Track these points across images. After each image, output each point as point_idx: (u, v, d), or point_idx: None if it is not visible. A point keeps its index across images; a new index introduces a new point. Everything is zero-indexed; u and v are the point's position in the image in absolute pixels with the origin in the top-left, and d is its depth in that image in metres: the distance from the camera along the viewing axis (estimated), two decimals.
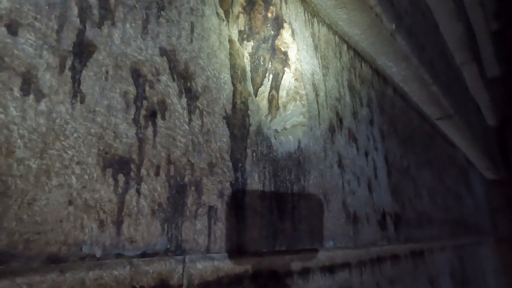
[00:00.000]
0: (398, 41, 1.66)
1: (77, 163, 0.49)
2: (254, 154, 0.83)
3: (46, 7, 0.50)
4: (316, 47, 1.26)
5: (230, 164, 0.75)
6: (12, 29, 0.46)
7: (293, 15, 1.18)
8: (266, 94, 1.02)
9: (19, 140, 0.44)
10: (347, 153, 1.29)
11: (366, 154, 1.45)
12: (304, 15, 1.25)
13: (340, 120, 1.30)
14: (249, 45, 0.98)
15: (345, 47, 1.51)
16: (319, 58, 1.26)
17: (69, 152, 0.48)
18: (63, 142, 0.48)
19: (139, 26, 0.63)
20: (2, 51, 0.44)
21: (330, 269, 1.12)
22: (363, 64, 1.65)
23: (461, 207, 3.31)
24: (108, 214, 0.51)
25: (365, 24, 1.51)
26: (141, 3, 0.64)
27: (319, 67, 1.25)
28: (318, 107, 1.17)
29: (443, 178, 2.80)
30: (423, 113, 2.52)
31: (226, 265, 0.71)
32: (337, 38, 1.45)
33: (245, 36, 0.97)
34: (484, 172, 4.91)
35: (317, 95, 1.18)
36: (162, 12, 0.68)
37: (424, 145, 2.43)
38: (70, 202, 0.47)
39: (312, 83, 1.17)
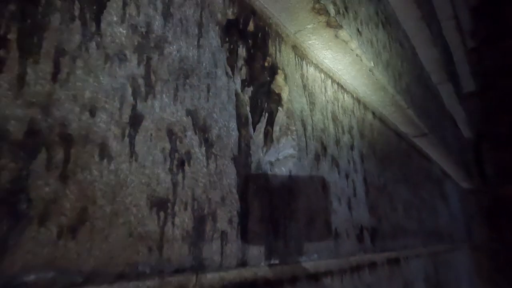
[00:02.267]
0: (376, 75, 1.89)
1: (134, 205, 0.68)
2: (255, 186, 1.03)
3: (112, 92, 0.69)
4: (304, 86, 1.48)
5: (236, 196, 0.95)
6: (92, 112, 0.65)
7: (286, 61, 1.39)
8: (262, 129, 1.22)
9: (99, 193, 0.63)
10: (330, 177, 1.51)
11: (347, 176, 1.68)
12: (295, 59, 1.47)
13: (325, 149, 1.51)
14: (249, 90, 1.19)
15: (329, 81, 1.73)
16: (307, 96, 1.48)
17: (129, 197, 0.68)
18: (125, 191, 0.67)
19: (171, 95, 0.82)
20: (87, 130, 0.64)
21: (315, 277, 1.33)
22: (345, 95, 1.87)
23: (436, 217, 3.58)
24: (154, 242, 0.71)
25: (347, 62, 1.74)
26: (172, 76, 0.84)
27: (307, 104, 1.46)
28: (306, 139, 1.38)
29: (419, 191, 3.05)
30: (400, 132, 2.77)
31: (229, 275, 0.91)
32: (322, 75, 1.67)
33: (246, 83, 1.17)
34: (460, 183, 5.23)
35: (305, 129, 1.40)
36: (187, 80, 0.88)
37: (401, 161, 2.67)
38: (130, 235, 0.67)
39: (301, 119, 1.39)
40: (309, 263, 1.29)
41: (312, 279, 1.32)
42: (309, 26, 1.45)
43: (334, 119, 1.67)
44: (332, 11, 1.43)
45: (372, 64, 1.83)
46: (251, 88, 1.19)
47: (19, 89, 0.56)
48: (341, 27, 1.49)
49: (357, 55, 1.70)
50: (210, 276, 0.84)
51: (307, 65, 1.55)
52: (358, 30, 1.71)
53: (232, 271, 0.90)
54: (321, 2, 1.35)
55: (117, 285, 0.62)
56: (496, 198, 5.78)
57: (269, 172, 1.12)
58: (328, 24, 1.46)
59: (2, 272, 0.50)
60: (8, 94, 0.55)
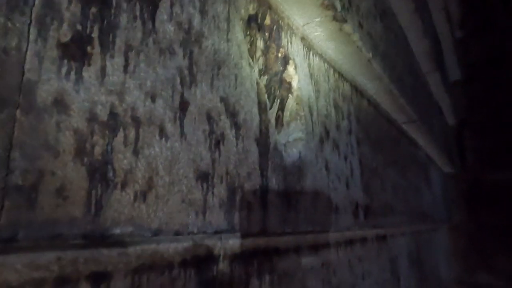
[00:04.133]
0: (373, 65, 2.04)
1: (185, 177, 0.82)
2: (272, 164, 1.18)
3: (166, 81, 0.82)
4: (311, 75, 1.61)
5: (259, 172, 1.10)
6: (153, 98, 0.78)
7: (295, 51, 1.52)
8: (274, 114, 1.36)
9: (160, 166, 0.77)
10: (331, 159, 1.67)
11: (345, 158, 1.84)
12: (303, 50, 1.59)
13: (327, 133, 1.67)
14: (264, 79, 1.32)
15: (331, 71, 1.87)
16: (313, 84, 1.62)
17: (181, 170, 0.82)
18: (178, 165, 0.81)
19: (209, 84, 0.95)
20: (150, 113, 0.76)
21: (315, 247, 1.50)
22: (345, 83, 2.02)
23: (420, 198, 3.83)
24: (199, 208, 0.85)
25: (348, 52, 1.88)
26: (209, 67, 0.97)
27: (313, 92, 1.61)
28: (312, 124, 1.53)
29: (406, 174, 3.27)
30: (391, 119, 2.95)
31: (247, 242, 1.06)
32: (326, 65, 1.81)
33: (262, 73, 1.30)
34: (442, 167, 5.52)
35: (311, 114, 1.54)
36: (219, 70, 1.01)
37: (391, 146, 2.86)
38: (183, 201, 0.81)
39: (308, 106, 1.53)
40: (311, 236, 1.46)
41: (314, 249, 1.49)
42: (317, 20, 1.57)
43: (336, 105, 1.82)
44: (338, 6, 1.55)
45: (371, 55, 1.97)
46: (266, 77, 1.32)
47: (102, 79, 0.69)
48: (345, 21, 1.62)
49: (357, 46, 1.84)
50: (231, 242, 1.00)
51: (313, 55, 1.68)
52: (359, 23, 1.84)
53: (249, 239, 1.06)
54: None
55: (175, 240, 0.77)
56: (475, 183, 6.12)
57: (283, 153, 1.27)
58: (334, 18, 1.58)
59: (98, 226, 0.64)
60: (95, 83, 0.67)
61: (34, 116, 0.57)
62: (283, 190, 1.22)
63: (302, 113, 1.47)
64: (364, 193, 2.05)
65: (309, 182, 1.41)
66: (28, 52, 0.58)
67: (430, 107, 4.25)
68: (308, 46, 1.64)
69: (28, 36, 0.59)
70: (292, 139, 1.42)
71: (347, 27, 1.66)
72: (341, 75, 1.97)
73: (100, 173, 0.65)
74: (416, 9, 3.16)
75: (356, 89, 2.19)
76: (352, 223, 1.83)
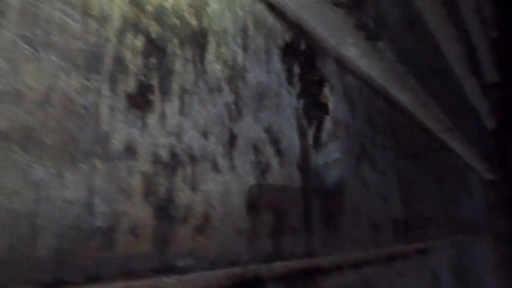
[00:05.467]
0: (406, 78, 2.03)
1: (236, 207, 0.87)
2: (314, 187, 1.21)
3: (216, 118, 0.88)
4: (345, 95, 1.63)
5: (301, 197, 1.13)
6: (205, 136, 0.84)
7: (330, 73, 1.55)
8: (312, 136, 1.39)
9: (214, 199, 0.82)
10: (369, 176, 1.67)
11: (383, 174, 1.83)
12: (337, 70, 1.62)
13: (364, 150, 1.67)
14: (302, 102, 1.35)
15: (365, 87, 1.88)
16: (349, 103, 1.64)
17: (232, 201, 0.87)
18: (230, 197, 0.86)
19: (253, 115, 1.00)
20: (203, 150, 0.82)
21: (356, 265, 1.51)
22: (379, 98, 2.02)
23: (460, 208, 3.69)
24: (249, 236, 0.90)
25: (381, 68, 1.88)
26: (253, 99, 1.02)
27: (348, 110, 1.62)
28: (348, 143, 1.55)
29: (444, 184, 3.17)
30: (427, 129, 2.89)
31: (291, 264, 1.09)
32: (359, 82, 1.82)
33: (299, 97, 1.34)
34: (482, 174, 5.28)
35: (348, 133, 1.56)
36: (262, 102, 1.06)
37: (427, 157, 2.80)
38: (235, 230, 0.86)
39: (345, 125, 1.55)
40: (354, 253, 1.47)
41: (355, 267, 1.49)
42: (350, 40, 1.60)
43: (370, 121, 1.83)
44: (371, 25, 1.57)
45: (404, 68, 1.96)
46: (303, 100, 1.36)
47: (162, 123, 0.75)
48: (378, 39, 1.63)
49: (391, 61, 1.84)
50: (278, 265, 1.03)
51: (347, 74, 1.70)
52: (392, 38, 1.85)
53: (291, 261, 1.09)
54: (363, 19, 1.49)
55: (230, 269, 0.81)
56: None
57: (322, 175, 1.30)
58: (367, 37, 1.60)
59: (164, 260, 0.69)
60: (157, 128, 0.74)
61: (109, 164, 0.64)
62: (325, 212, 1.24)
63: (339, 134, 1.50)
64: (403, 207, 2.02)
65: (348, 201, 1.42)
66: (102, 106, 0.65)
67: (466, 113, 4.11)
68: (341, 65, 1.67)
69: (101, 92, 0.66)
70: (331, 160, 1.44)
71: (380, 45, 1.67)
72: (374, 90, 1.97)
73: (164, 211, 0.71)
74: (448, 14, 3.10)
75: (390, 102, 2.18)
76: (392, 238, 1.81)
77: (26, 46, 0.56)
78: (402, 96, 2.28)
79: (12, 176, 0.51)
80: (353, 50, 1.68)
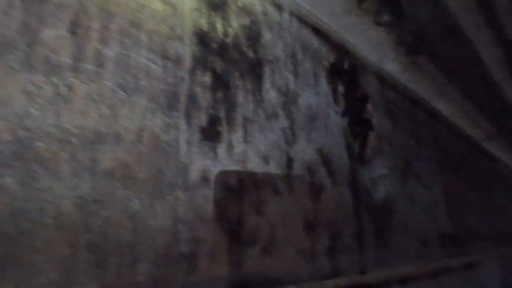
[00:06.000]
0: (446, 88, 2.00)
1: (296, 228, 0.91)
2: (364, 205, 1.22)
3: (273, 143, 0.92)
4: (388, 110, 1.64)
5: (354, 215, 1.15)
6: (266, 161, 0.89)
7: (372, 89, 1.57)
8: (357, 153, 1.41)
9: (276, 221, 0.86)
10: (415, 191, 1.66)
11: (428, 188, 1.81)
12: (379, 86, 1.64)
13: (409, 165, 1.67)
14: (346, 120, 1.38)
15: (406, 100, 1.88)
16: (391, 118, 1.64)
17: (292, 223, 0.90)
18: (289, 218, 0.90)
19: (306, 138, 1.05)
20: (265, 174, 0.87)
21: (404, 281, 1.49)
22: (420, 110, 2.00)
23: (507, 219, 3.53)
24: (308, 256, 0.93)
25: (422, 81, 1.88)
26: (305, 122, 1.06)
27: (392, 126, 1.63)
28: (393, 158, 1.55)
29: (489, 194, 3.06)
30: (470, 137, 2.81)
31: (343, 281, 1.11)
32: (400, 96, 1.82)
33: (344, 114, 1.37)
34: None
35: (391, 148, 1.56)
36: (313, 124, 1.10)
37: (471, 167, 2.72)
38: (296, 250, 0.89)
39: (389, 141, 1.56)
40: (402, 269, 1.46)
41: (402, 283, 1.48)
42: (391, 55, 1.61)
43: (414, 135, 1.82)
44: (411, 40, 1.58)
45: (445, 79, 1.94)
46: (347, 118, 1.38)
47: (230, 152, 0.81)
48: (419, 53, 1.64)
49: (431, 73, 1.83)
50: (331, 282, 1.05)
51: (388, 89, 1.71)
52: (432, 51, 1.84)
53: (344, 279, 1.10)
54: (403, 35, 1.51)
55: (290, 284, 0.85)
56: None
57: (371, 191, 1.31)
58: (408, 53, 1.61)
59: (237, 280, 0.74)
60: (226, 157, 0.79)
61: (189, 193, 0.70)
62: (375, 229, 1.25)
63: (384, 149, 1.51)
64: (449, 221, 1.98)
65: (397, 217, 1.42)
66: (181, 140, 0.72)
67: (509, 119, 3.95)
68: (382, 81, 1.68)
69: (179, 127, 0.72)
70: (377, 176, 1.45)
71: (421, 59, 1.67)
72: (415, 103, 1.96)
73: (236, 234, 0.76)
74: (485, 18, 3.02)
75: (431, 113, 2.15)
76: (439, 253, 1.77)
77: (121, 92, 0.64)
78: (443, 106, 2.25)
79: (116, 210, 0.58)
80: (393, 65, 1.69)
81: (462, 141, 2.61)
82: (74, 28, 0.60)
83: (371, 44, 1.52)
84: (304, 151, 1.02)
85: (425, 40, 1.80)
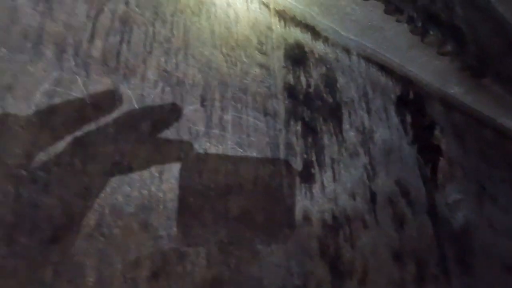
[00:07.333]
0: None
1: (385, 259, 0.97)
2: (443, 231, 1.24)
3: (357, 180, 1.00)
4: (455, 133, 1.65)
5: (436, 243, 1.18)
6: (354, 197, 0.97)
7: (438, 114, 1.59)
8: (430, 179, 1.43)
9: (368, 253, 0.93)
10: (493, 214, 1.62)
11: (506, 210, 1.76)
12: (444, 110, 1.66)
13: (483, 188, 1.64)
14: (415, 147, 1.42)
15: (473, 122, 1.86)
16: (460, 141, 1.65)
17: (381, 254, 0.97)
18: (379, 250, 0.96)
19: (385, 172, 1.11)
20: (354, 210, 0.95)
21: None
22: (488, 130, 1.97)
23: None
24: (399, 286, 0.98)
25: (487, 100, 1.86)
26: (382, 156, 1.13)
27: (461, 149, 1.63)
28: (466, 182, 1.54)
29: None
30: None
31: None
32: (466, 118, 1.82)
33: (413, 143, 1.41)
34: None
35: (464, 173, 1.56)
36: (389, 157, 1.16)
37: None
38: (387, 281, 0.95)
39: (460, 165, 1.56)
40: None
41: None
42: (454, 80, 1.64)
43: (484, 156, 1.79)
44: (475, 64, 1.60)
45: (509, 95, 1.90)
46: (416, 145, 1.42)
47: (323, 191, 0.90)
48: (484, 75, 1.64)
49: (496, 92, 1.81)
50: None
51: (453, 112, 1.72)
52: (497, 72, 1.82)
53: None
54: (467, 60, 1.54)
55: None
56: None
57: (448, 218, 1.33)
58: (472, 75, 1.62)
59: None
60: (320, 196, 0.89)
61: (295, 232, 0.80)
62: (457, 257, 1.26)
63: (456, 174, 1.51)
64: None
65: (477, 244, 1.41)
66: (284, 185, 0.83)
67: None
68: (447, 105, 1.70)
69: (282, 173, 0.84)
70: (452, 202, 1.46)
71: (486, 80, 1.68)
72: (482, 123, 1.94)
73: (335, 267, 0.84)
74: None
75: (499, 131, 2.09)
76: None
77: (239, 149, 0.77)
78: (511, 123, 2.18)
79: (245, 249, 0.69)
80: (457, 88, 1.71)
81: None
82: (203, 101, 0.75)
83: (434, 72, 1.56)
84: (385, 184, 1.09)
85: (488, 59, 1.80)
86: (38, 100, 0.54)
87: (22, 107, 0.53)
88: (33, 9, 0.58)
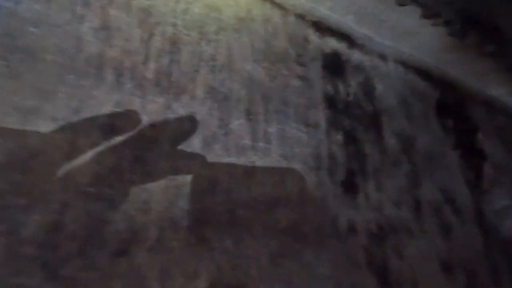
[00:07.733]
0: None
1: (433, 270, 0.94)
2: (492, 240, 1.19)
3: (402, 189, 0.99)
4: (499, 136, 1.58)
5: (485, 251, 1.13)
6: (397, 206, 0.95)
7: (481, 117, 1.53)
8: (475, 185, 1.38)
9: (416, 263, 0.91)
10: None
11: None
12: (487, 113, 1.60)
13: None
14: (459, 153, 1.37)
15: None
16: (504, 144, 1.58)
17: (429, 264, 0.94)
18: (426, 260, 0.94)
19: (428, 179, 1.09)
20: (398, 219, 0.93)
21: None
22: None
23: None
24: None
25: None
26: (425, 163, 1.11)
27: (506, 152, 1.56)
28: None
29: None
30: None
31: None
32: (510, 119, 1.74)
33: (455, 148, 1.36)
34: None
35: (510, 176, 1.49)
36: (432, 164, 1.13)
37: None
38: None
39: (506, 170, 1.49)
40: None
41: None
42: (496, 80, 1.58)
43: None
44: None
45: None
46: (459, 150, 1.38)
47: (367, 201, 0.90)
48: None
49: None
50: None
51: (496, 114, 1.65)
52: None
53: None
54: (510, 60, 1.47)
55: None
56: None
57: (497, 225, 1.27)
58: None
59: None
60: (364, 206, 0.88)
61: (342, 242, 0.80)
62: (509, 266, 1.20)
63: (502, 179, 1.45)
64: None
65: None
66: (328, 195, 0.83)
67: None
68: (490, 107, 1.64)
69: (325, 184, 0.84)
70: (499, 208, 1.40)
71: None
72: None
73: (383, 278, 0.83)
74: None
75: None
76: None
77: (284, 161, 0.78)
78: None
79: (293, 261, 0.70)
80: (499, 90, 1.64)
81: None
82: (249, 115, 0.77)
83: (475, 74, 1.51)
84: (429, 192, 1.06)
85: None
86: (102, 121, 0.58)
87: (88, 129, 0.57)
88: (95, 37, 0.62)
